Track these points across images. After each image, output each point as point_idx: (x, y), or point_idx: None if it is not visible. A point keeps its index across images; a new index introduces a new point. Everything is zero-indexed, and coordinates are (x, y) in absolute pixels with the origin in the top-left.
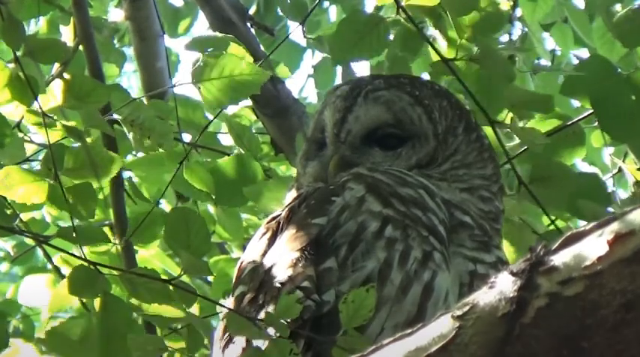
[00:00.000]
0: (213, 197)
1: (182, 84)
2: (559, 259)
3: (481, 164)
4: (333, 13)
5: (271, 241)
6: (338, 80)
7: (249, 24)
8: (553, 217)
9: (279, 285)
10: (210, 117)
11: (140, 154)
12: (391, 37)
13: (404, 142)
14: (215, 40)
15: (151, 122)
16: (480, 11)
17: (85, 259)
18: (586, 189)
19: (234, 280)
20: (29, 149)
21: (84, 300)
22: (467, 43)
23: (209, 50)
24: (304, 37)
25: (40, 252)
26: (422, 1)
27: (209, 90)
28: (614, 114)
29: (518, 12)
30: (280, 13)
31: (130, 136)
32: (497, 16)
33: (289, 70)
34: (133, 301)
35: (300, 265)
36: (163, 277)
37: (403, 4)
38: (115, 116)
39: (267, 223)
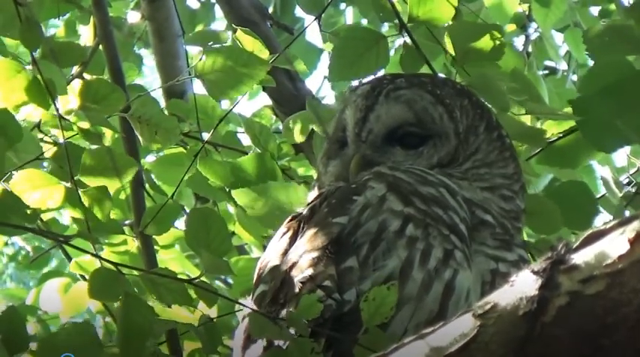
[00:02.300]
0: (227, 190)
1: (184, 78)
2: (580, 257)
3: (502, 163)
4: (350, 15)
5: (292, 240)
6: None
7: (268, 23)
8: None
9: (300, 284)
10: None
11: (161, 154)
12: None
13: (425, 141)
14: (214, 34)
15: (158, 118)
16: (482, 41)
17: (106, 260)
18: (574, 198)
19: (254, 279)
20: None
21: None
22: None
23: (210, 44)
24: (320, 31)
25: (55, 255)
26: (429, 17)
27: (213, 82)
28: (596, 122)
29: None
30: (297, 14)
31: (138, 132)
32: (497, 47)
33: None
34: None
35: (321, 264)
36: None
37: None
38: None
39: (289, 222)
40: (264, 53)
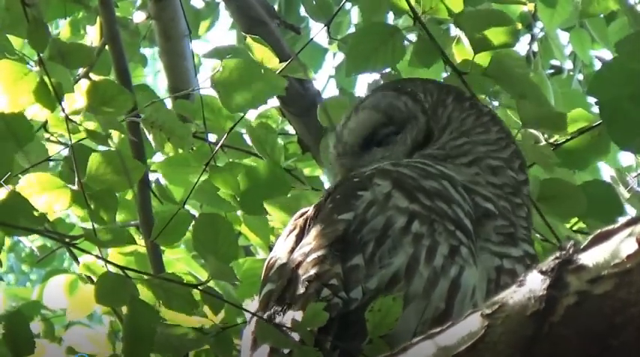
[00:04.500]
0: (238, 198)
1: (205, 87)
2: (588, 257)
3: (481, 129)
4: (355, 15)
5: (299, 238)
6: (359, 81)
7: (276, 22)
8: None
9: (306, 283)
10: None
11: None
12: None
13: (400, 133)
14: (234, 49)
15: (171, 124)
16: (495, 27)
17: (113, 263)
18: (597, 198)
19: (262, 278)
20: (56, 149)
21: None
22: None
23: (228, 57)
24: (329, 38)
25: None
26: (440, 13)
27: (229, 95)
28: (622, 120)
29: None
30: (302, 14)
31: (151, 137)
32: (512, 32)
33: (312, 70)
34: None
35: (327, 262)
36: (189, 279)
37: (420, 14)
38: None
39: (295, 220)
40: (273, 60)
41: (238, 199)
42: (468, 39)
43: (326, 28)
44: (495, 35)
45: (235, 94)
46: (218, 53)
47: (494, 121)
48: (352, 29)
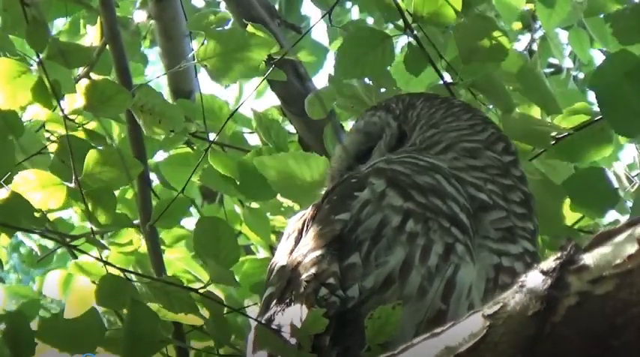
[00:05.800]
0: (238, 183)
1: (193, 62)
2: (589, 257)
3: (451, 118)
4: (356, 14)
5: (298, 241)
6: None
7: (277, 22)
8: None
9: (304, 283)
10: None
11: (171, 152)
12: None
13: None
14: (219, 15)
15: (161, 107)
16: (485, 41)
17: (113, 265)
18: (592, 185)
19: (265, 283)
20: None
21: None
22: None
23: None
24: (330, 25)
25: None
26: (432, 21)
27: (217, 67)
28: (621, 109)
29: None
30: (303, 13)
31: (141, 122)
32: (501, 48)
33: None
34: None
35: (325, 261)
36: (188, 278)
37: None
38: None
39: (294, 223)
40: (274, 50)
41: (238, 183)
42: (459, 50)
43: (328, 16)
44: (486, 48)
45: (223, 66)
46: (201, 21)
47: (467, 109)
48: None
